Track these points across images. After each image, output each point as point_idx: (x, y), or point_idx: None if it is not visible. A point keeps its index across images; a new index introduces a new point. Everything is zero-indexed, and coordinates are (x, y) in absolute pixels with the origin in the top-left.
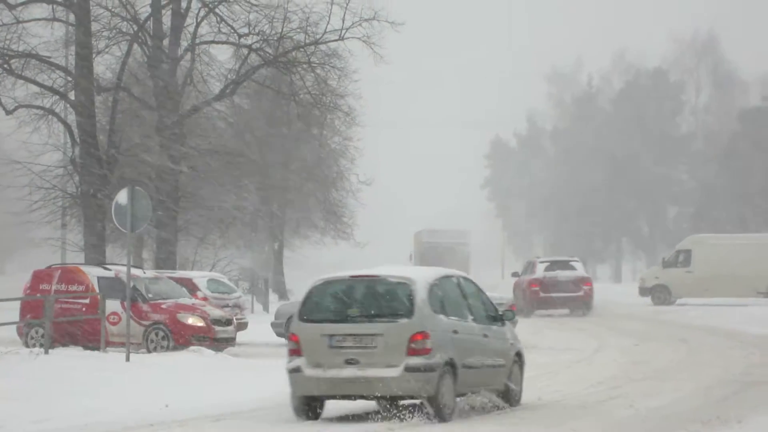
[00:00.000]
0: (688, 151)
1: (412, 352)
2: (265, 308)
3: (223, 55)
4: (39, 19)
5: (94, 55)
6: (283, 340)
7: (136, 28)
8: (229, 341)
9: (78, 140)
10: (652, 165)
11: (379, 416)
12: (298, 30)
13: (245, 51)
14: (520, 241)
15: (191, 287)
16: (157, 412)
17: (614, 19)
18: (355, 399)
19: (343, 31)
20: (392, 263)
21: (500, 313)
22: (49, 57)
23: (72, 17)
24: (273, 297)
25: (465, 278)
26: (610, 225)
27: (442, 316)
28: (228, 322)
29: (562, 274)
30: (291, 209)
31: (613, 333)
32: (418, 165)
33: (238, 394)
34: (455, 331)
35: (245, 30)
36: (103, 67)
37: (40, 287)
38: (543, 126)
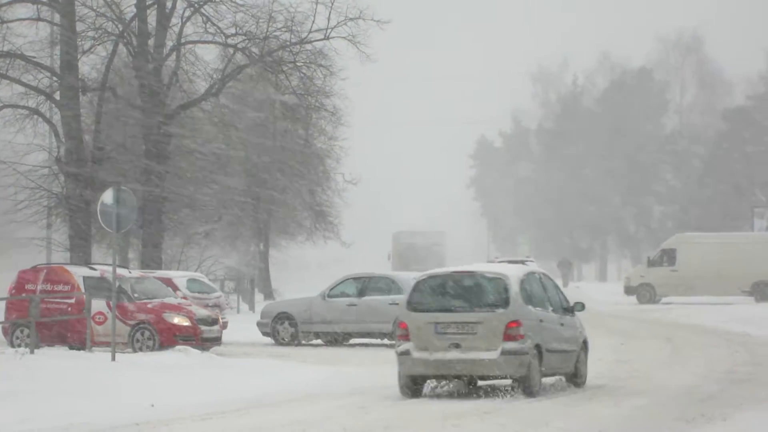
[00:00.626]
0: (672, 150)
1: (507, 338)
2: (251, 308)
3: (209, 54)
4: (24, 19)
5: (79, 55)
6: (269, 340)
7: (121, 28)
8: (215, 341)
9: (63, 140)
10: (637, 164)
11: (474, 395)
12: (284, 29)
13: (231, 51)
14: (506, 240)
15: (171, 287)
16: (143, 411)
17: (599, 18)
18: (456, 379)
19: (329, 31)
20: (374, 262)
21: (571, 305)
22: (34, 57)
23: (57, 17)
24: (259, 297)
25: (544, 274)
26: (596, 224)
27: (530, 307)
28: (214, 322)
29: None
30: (277, 209)
31: (598, 332)
32: (403, 164)
33: (225, 394)
34: (540, 320)
35: (231, 30)
36: (89, 67)
37: (26, 287)
38: (528, 125)
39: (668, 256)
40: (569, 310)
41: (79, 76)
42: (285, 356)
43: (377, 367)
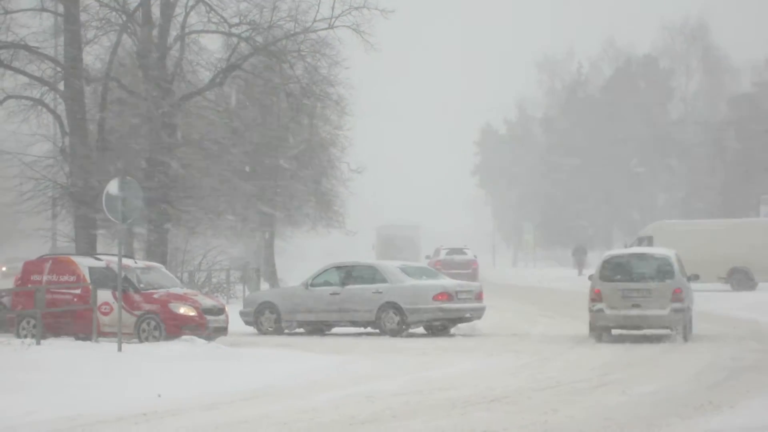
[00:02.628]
0: (678, 138)
1: (674, 300)
2: None
3: (213, 44)
4: (27, 10)
5: (83, 45)
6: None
7: (125, 18)
8: (221, 330)
9: (68, 131)
10: (642, 151)
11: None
12: (288, 19)
13: (235, 40)
14: (510, 228)
15: None
16: (150, 401)
17: (604, 6)
18: (635, 330)
19: (333, 20)
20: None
21: (688, 276)
22: (38, 47)
23: (61, 7)
24: (264, 286)
25: (677, 254)
26: (601, 211)
27: (683, 278)
28: (220, 312)
29: (457, 257)
30: (282, 198)
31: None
32: (408, 152)
33: (231, 383)
34: (688, 288)
35: (235, 19)
36: (93, 57)
37: (32, 278)
38: (533, 113)
39: (645, 244)
40: (689, 279)
41: (84, 67)
42: (290, 345)
43: (383, 356)
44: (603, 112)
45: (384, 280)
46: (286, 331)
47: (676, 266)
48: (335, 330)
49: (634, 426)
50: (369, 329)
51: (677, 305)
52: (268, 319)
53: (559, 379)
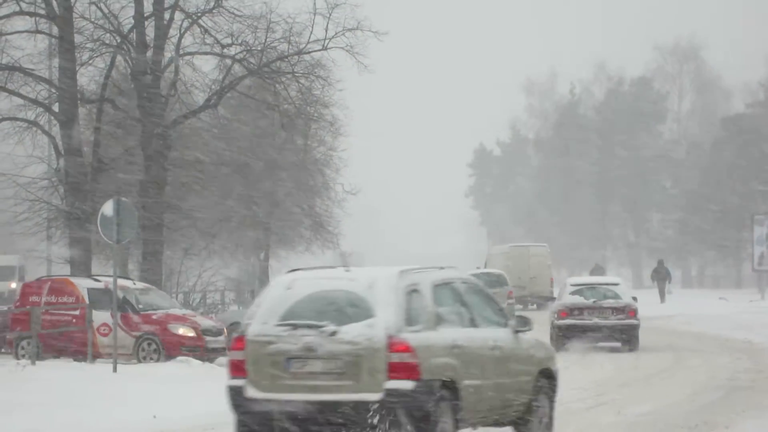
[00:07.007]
0: (671, 158)
1: None
2: None
3: (207, 65)
4: (22, 32)
5: (77, 67)
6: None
7: (119, 40)
8: (220, 351)
9: (62, 152)
10: (635, 172)
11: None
12: (282, 40)
13: (229, 61)
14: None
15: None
16: (146, 423)
17: (596, 28)
18: None
19: (327, 41)
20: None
21: None
22: (33, 69)
23: (55, 30)
24: None
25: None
26: (595, 232)
27: None
28: (219, 332)
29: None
30: (277, 219)
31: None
32: (402, 174)
33: (227, 404)
34: None
35: (229, 41)
36: (87, 78)
37: (30, 299)
38: (526, 134)
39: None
40: None
41: (78, 88)
42: None
43: None
44: (596, 133)
45: None
46: None
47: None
48: None
49: None
50: None
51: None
52: None
53: None
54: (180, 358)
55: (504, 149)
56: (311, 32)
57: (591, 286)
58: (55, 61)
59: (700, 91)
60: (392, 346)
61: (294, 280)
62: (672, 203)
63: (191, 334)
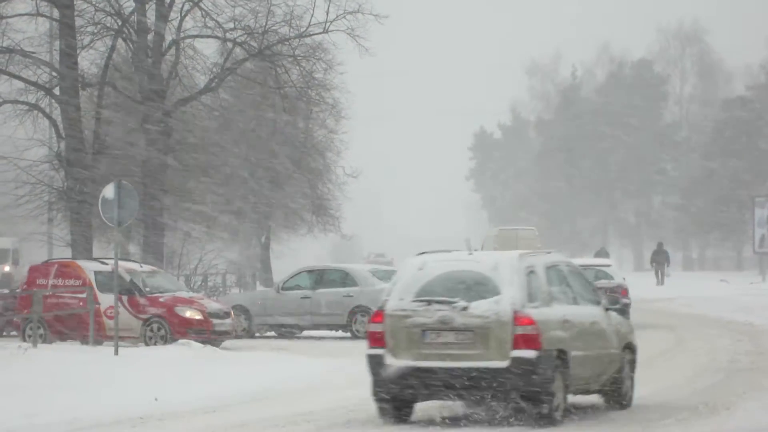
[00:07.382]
0: (672, 141)
1: None
2: None
3: (208, 49)
4: (23, 15)
5: (78, 50)
6: (271, 333)
7: (120, 23)
8: (227, 334)
9: (63, 135)
10: (636, 155)
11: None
12: (283, 23)
13: (230, 45)
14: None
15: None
16: (147, 405)
17: (599, 10)
18: None
19: (328, 24)
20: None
21: None
22: (34, 52)
23: (56, 12)
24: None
25: None
26: (596, 215)
27: None
28: (226, 315)
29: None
30: (278, 201)
31: None
32: (403, 157)
33: (229, 387)
34: None
35: (230, 24)
36: (88, 62)
37: (37, 282)
38: (527, 117)
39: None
40: None
41: (79, 71)
42: (287, 349)
43: None
44: (597, 116)
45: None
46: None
47: None
48: (333, 334)
49: (630, 429)
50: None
51: None
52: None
53: None
54: (181, 341)
55: (505, 132)
56: (312, 15)
57: (583, 268)
58: (56, 44)
59: (701, 74)
60: (518, 319)
61: (424, 262)
62: (673, 185)
63: (198, 317)
